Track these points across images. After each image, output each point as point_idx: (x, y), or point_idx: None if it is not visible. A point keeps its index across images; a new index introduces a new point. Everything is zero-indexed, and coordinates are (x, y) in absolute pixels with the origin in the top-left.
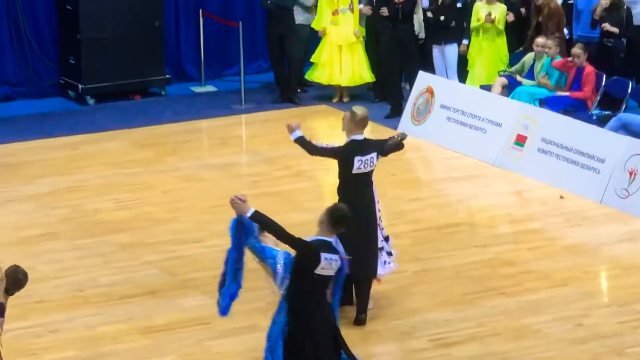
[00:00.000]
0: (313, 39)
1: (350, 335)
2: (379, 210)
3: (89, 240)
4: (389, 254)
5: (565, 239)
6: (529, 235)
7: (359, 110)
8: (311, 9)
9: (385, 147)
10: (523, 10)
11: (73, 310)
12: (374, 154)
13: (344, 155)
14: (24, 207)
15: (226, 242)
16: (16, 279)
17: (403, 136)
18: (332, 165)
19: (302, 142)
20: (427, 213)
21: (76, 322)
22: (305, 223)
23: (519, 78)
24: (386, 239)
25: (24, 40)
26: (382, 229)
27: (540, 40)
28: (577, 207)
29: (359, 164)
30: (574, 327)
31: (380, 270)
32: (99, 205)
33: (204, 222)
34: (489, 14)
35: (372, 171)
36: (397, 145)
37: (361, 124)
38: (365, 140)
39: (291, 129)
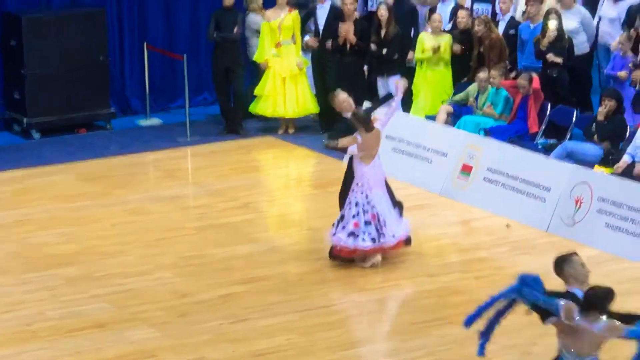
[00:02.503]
0: (256, 71)
1: None
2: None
3: (36, 274)
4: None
5: (512, 267)
6: (476, 264)
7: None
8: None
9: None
10: (458, 47)
11: (21, 345)
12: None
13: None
14: None
15: (173, 274)
16: None
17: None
18: (278, 197)
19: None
20: None
21: (24, 357)
22: (252, 254)
23: (471, 102)
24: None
25: None
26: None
27: (482, 75)
28: (524, 235)
29: None
30: (521, 355)
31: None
32: (45, 239)
33: (151, 254)
34: (437, 46)
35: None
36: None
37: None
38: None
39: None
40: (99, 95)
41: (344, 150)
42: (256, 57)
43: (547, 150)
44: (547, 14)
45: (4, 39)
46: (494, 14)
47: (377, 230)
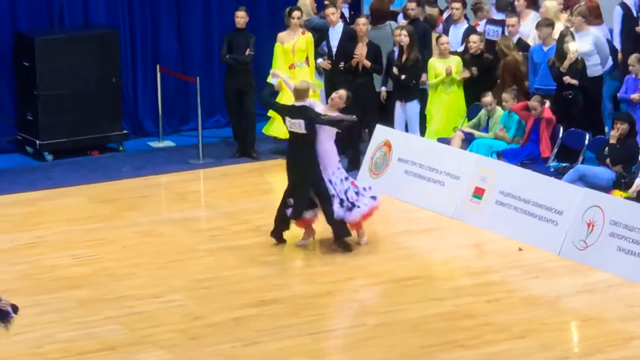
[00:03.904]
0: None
1: None
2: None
3: (48, 296)
4: (352, 205)
5: (523, 291)
6: (488, 288)
7: (299, 84)
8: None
9: (318, 120)
10: (474, 70)
11: None
12: (301, 121)
13: (280, 113)
14: None
15: (185, 297)
16: None
17: (351, 119)
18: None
19: (268, 88)
20: (386, 267)
21: None
22: (264, 277)
23: (477, 134)
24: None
25: None
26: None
27: (486, 99)
28: (536, 259)
29: (289, 124)
30: None
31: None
32: (57, 262)
33: (162, 277)
34: (449, 67)
35: (305, 135)
36: (331, 121)
37: (299, 95)
38: (301, 107)
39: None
40: (112, 117)
41: (347, 123)
42: (270, 79)
43: (559, 173)
44: (562, 36)
45: (16, 60)
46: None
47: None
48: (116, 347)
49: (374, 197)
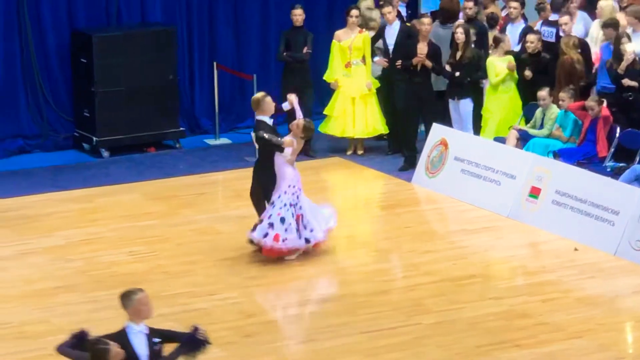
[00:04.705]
0: (326, 91)
1: None
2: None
3: (104, 293)
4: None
5: (579, 291)
6: (544, 287)
7: (256, 95)
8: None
9: (257, 133)
10: (527, 73)
11: None
12: (252, 134)
13: None
14: (39, 259)
15: (240, 295)
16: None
17: (278, 142)
18: (346, 218)
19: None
20: (442, 265)
21: None
22: (319, 275)
23: (532, 132)
24: (282, 220)
25: (38, 94)
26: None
27: (541, 93)
28: (592, 259)
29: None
30: None
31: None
32: (113, 258)
33: (218, 274)
34: (512, 64)
35: (259, 148)
36: (262, 138)
37: (255, 106)
38: (259, 122)
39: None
40: (169, 114)
41: (276, 147)
42: (326, 76)
43: (615, 173)
44: (618, 38)
45: (74, 57)
46: (557, 37)
47: (297, 230)
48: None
49: (307, 240)
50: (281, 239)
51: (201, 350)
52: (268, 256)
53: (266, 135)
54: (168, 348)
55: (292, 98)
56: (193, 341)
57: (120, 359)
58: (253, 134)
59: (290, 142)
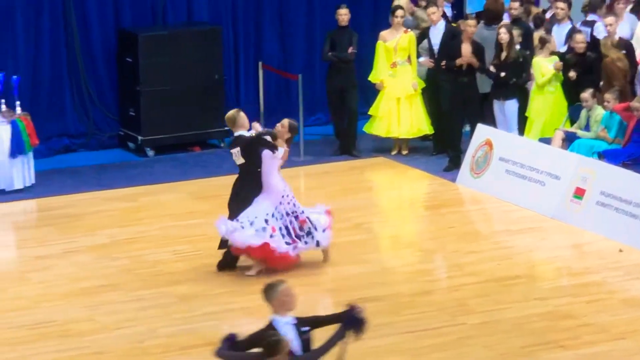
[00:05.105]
0: (370, 91)
1: None
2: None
3: (149, 292)
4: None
5: (624, 292)
6: (588, 288)
7: (228, 113)
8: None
9: (248, 144)
10: (572, 74)
11: None
12: (238, 149)
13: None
14: (84, 258)
15: None
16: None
17: (270, 132)
18: (390, 218)
19: None
20: (486, 266)
21: None
22: (363, 275)
23: (579, 133)
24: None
25: (84, 93)
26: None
27: (585, 95)
28: (636, 260)
29: (232, 156)
30: None
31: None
32: (158, 257)
33: (263, 274)
34: (560, 64)
35: (246, 164)
36: (256, 137)
37: (230, 123)
38: (239, 136)
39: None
40: (213, 113)
41: (272, 146)
42: (371, 77)
43: None
44: None
45: (120, 56)
46: (592, 36)
47: (308, 234)
48: (216, 344)
49: (318, 243)
50: (292, 248)
51: (362, 328)
52: (277, 266)
53: (262, 130)
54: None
55: (257, 126)
56: (352, 321)
57: (289, 348)
58: (234, 151)
59: (282, 142)
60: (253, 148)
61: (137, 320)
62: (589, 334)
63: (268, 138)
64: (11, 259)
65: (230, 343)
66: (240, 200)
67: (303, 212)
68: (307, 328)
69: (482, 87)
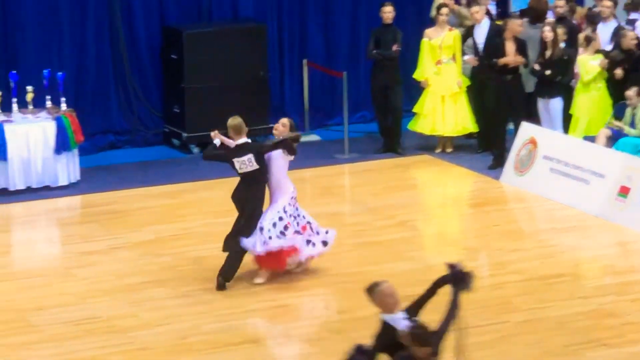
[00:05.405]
0: (415, 89)
1: None
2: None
3: (192, 288)
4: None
5: None
6: (632, 287)
7: (231, 120)
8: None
9: (264, 148)
10: (619, 71)
11: (176, 358)
12: (250, 155)
13: (227, 158)
14: (128, 254)
15: (329, 291)
16: None
17: (294, 137)
18: (434, 216)
19: (210, 148)
20: (530, 264)
21: None
22: (408, 272)
23: (627, 129)
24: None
25: (129, 89)
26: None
27: (629, 92)
28: None
29: (239, 165)
30: None
31: (259, 247)
32: (202, 253)
33: (306, 270)
34: (606, 61)
35: (257, 170)
36: (276, 144)
37: (235, 131)
38: (245, 143)
39: (212, 137)
40: (258, 110)
41: (291, 147)
42: (416, 75)
43: None
44: None
45: (164, 53)
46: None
47: (310, 242)
48: (260, 340)
49: (324, 242)
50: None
51: (470, 282)
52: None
53: (292, 134)
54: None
55: (216, 135)
56: (459, 278)
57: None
58: (244, 159)
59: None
60: (262, 153)
61: (181, 316)
62: (632, 332)
63: (293, 135)
64: (56, 255)
65: (364, 355)
66: (251, 211)
67: (304, 217)
68: (416, 319)
69: (527, 86)
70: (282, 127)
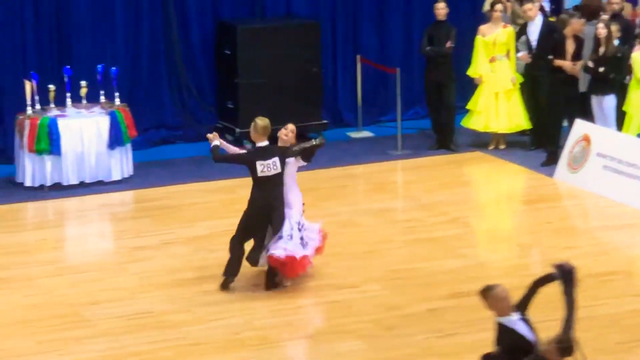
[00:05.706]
0: (468, 85)
1: None
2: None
3: (246, 283)
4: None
5: None
6: None
7: (260, 120)
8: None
9: (289, 153)
10: None
11: (229, 353)
12: (276, 159)
13: (248, 161)
14: (181, 249)
15: (381, 287)
16: None
17: (319, 141)
18: (487, 212)
19: (214, 150)
20: (583, 261)
21: None
22: (460, 269)
23: None
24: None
25: (182, 84)
26: (299, 222)
27: None
28: None
29: (262, 168)
30: None
31: (280, 252)
32: None
33: (358, 267)
34: None
35: (279, 174)
36: (303, 150)
37: (262, 132)
38: (268, 146)
39: (210, 140)
40: (311, 106)
41: (312, 152)
42: (470, 71)
43: None
44: None
45: (219, 48)
46: None
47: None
48: (313, 336)
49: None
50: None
51: (576, 278)
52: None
53: (315, 141)
54: None
55: (215, 137)
56: (567, 275)
57: None
58: (270, 162)
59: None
60: (287, 157)
61: (234, 311)
62: None
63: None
64: (109, 250)
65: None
66: (279, 220)
67: (303, 225)
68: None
69: (581, 84)
70: (290, 133)
